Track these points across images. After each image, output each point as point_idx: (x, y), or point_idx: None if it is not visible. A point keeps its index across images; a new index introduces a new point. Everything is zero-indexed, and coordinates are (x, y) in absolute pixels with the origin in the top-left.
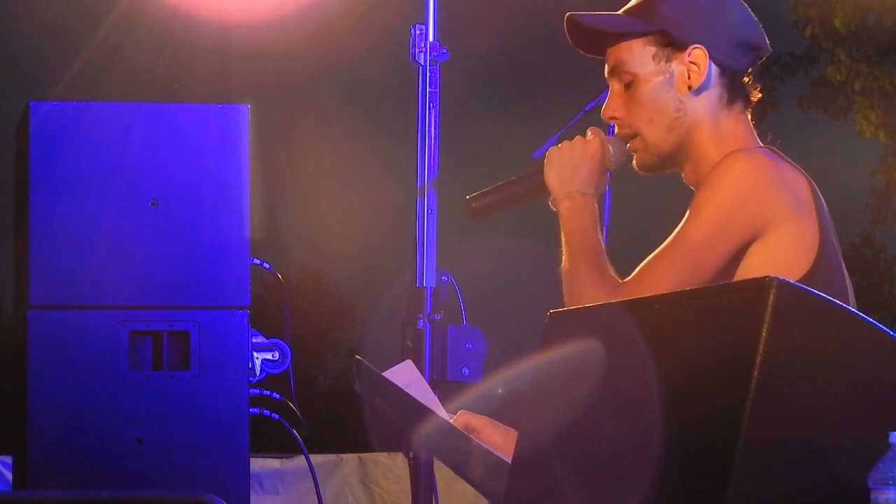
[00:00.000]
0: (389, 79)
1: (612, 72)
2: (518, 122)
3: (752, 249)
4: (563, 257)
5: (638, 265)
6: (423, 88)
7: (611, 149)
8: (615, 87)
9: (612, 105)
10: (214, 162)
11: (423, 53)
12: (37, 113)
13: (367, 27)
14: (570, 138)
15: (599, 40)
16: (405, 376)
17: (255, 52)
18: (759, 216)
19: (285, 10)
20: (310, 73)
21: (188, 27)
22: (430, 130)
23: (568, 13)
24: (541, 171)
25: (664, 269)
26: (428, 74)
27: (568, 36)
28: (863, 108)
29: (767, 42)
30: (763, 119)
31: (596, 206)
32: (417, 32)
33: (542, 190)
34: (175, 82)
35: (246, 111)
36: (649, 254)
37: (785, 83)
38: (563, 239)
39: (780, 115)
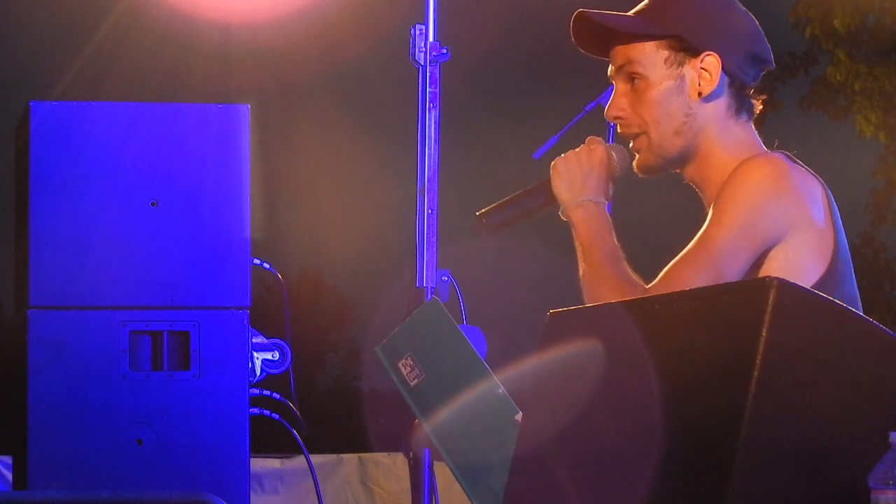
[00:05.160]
0: (389, 79)
1: (619, 70)
2: (518, 122)
3: (772, 254)
4: (582, 265)
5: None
6: (423, 88)
7: (615, 155)
8: (621, 86)
9: (617, 104)
10: (214, 162)
11: (423, 53)
12: (37, 113)
13: (367, 27)
14: (571, 138)
15: (607, 39)
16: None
17: (255, 52)
18: (781, 221)
19: (285, 10)
20: (310, 73)
21: (188, 27)
22: (430, 130)
23: (579, 10)
24: (548, 183)
25: (690, 273)
26: (428, 74)
27: (573, 33)
28: (863, 109)
29: (772, 57)
30: (763, 119)
31: (608, 214)
32: (417, 32)
33: (552, 201)
34: (175, 82)
35: (246, 111)
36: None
37: (785, 83)
38: (578, 248)
39: (780, 115)
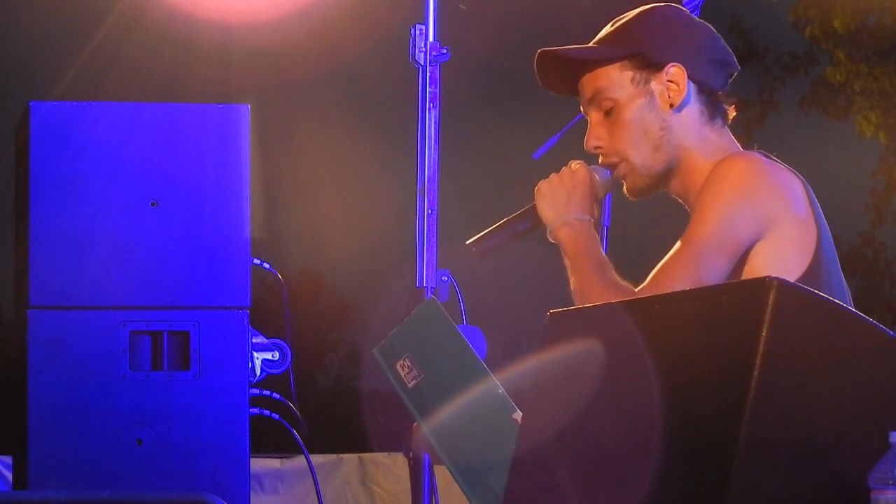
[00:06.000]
0: (389, 79)
1: (590, 101)
2: (518, 122)
3: (755, 249)
4: (572, 279)
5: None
6: (423, 88)
7: (597, 177)
8: (595, 116)
9: (594, 134)
10: (214, 162)
11: (423, 53)
12: (37, 113)
13: (367, 27)
14: (570, 139)
15: (572, 73)
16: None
17: (255, 52)
18: (762, 215)
19: (285, 10)
20: (310, 73)
21: (188, 27)
22: (430, 130)
23: (540, 49)
24: (534, 207)
25: (679, 272)
26: (428, 74)
27: (538, 75)
28: (863, 109)
29: (735, 60)
30: (763, 119)
31: (594, 230)
32: (417, 32)
33: (539, 225)
34: (175, 82)
35: (246, 111)
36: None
37: (785, 83)
38: (567, 263)
39: (780, 116)
